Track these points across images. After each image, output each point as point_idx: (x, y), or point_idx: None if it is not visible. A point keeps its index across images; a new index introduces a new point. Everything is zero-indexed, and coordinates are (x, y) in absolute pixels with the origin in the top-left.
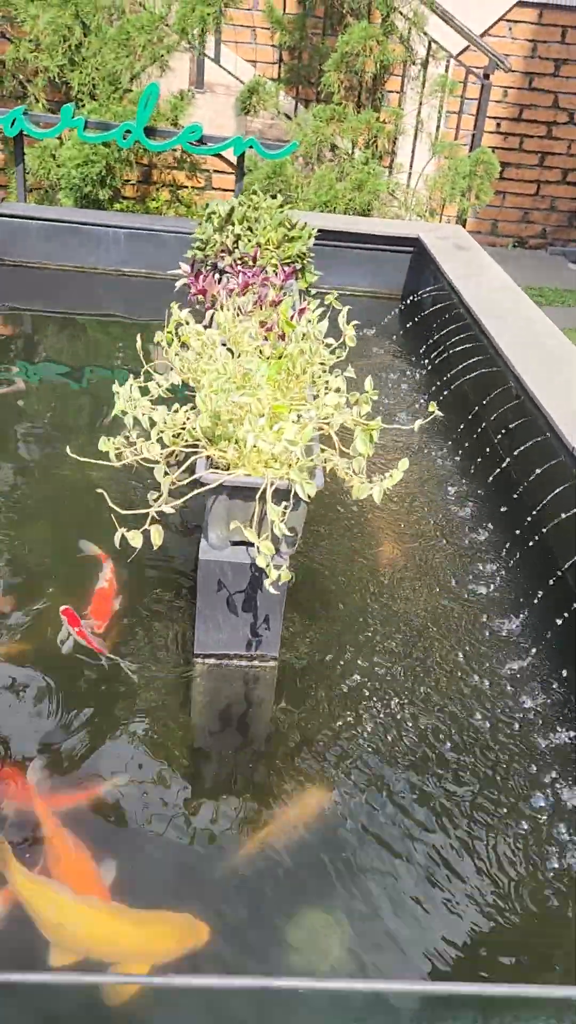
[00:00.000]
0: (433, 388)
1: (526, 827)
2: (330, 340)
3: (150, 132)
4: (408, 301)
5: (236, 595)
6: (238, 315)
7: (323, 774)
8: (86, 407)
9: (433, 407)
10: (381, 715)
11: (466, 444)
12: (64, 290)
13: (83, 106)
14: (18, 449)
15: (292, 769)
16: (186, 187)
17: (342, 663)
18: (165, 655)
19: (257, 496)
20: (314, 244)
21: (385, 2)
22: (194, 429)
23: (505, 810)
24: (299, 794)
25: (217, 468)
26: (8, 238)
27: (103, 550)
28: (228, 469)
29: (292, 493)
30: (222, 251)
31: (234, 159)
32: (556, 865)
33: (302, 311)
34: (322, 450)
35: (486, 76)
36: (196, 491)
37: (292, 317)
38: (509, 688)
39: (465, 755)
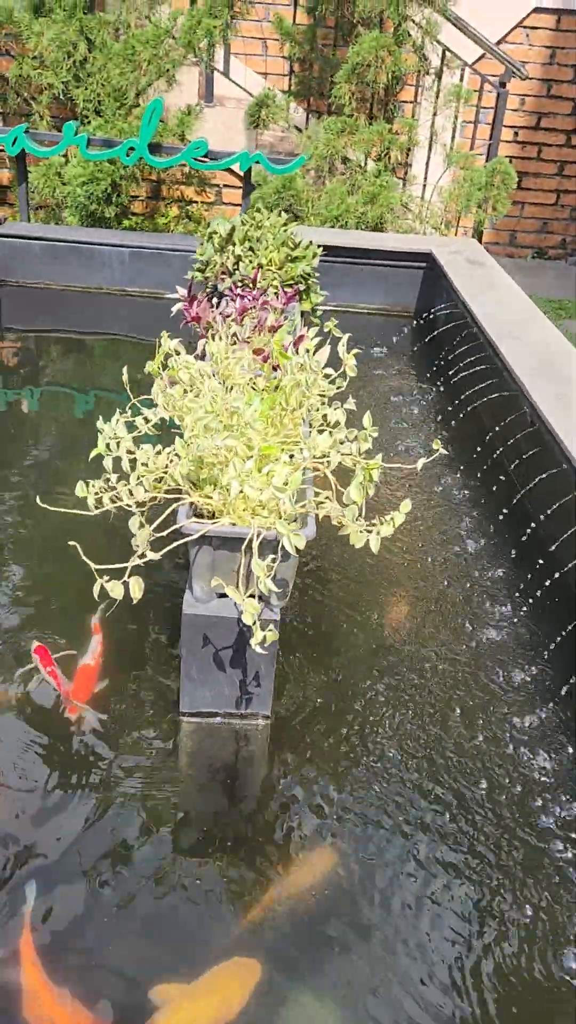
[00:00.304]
0: (446, 411)
1: (530, 915)
2: (330, 370)
3: (155, 148)
4: (421, 319)
5: (223, 651)
6: (234, 343)
7: (318, 842)
8: (83, 435)
9: (437, 444)
10: (383, 779)
11: (479, 472)
12: (67, 311)
13: (89, 123)
14: (9, 480)
15: (285, 837)
16: (196, 202)
17: (341, 719)
18: (151, 711)
19: (243, 547)
20: (323, 261)
21: (397, 11)
22: (181, 473)
23: (513, 892)
24: (293, 865)
25: (202, 515)
26: (10, 259)
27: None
28: (214, 516)
29: (281, 544)
30: (222, 273)
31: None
32: (573, 965)
33: (299, 340)
34: (316, 493)
35: (502, 84)
36: (178, 541)
37: (289, 345)
38: (522, 751)
39: (471, 826)
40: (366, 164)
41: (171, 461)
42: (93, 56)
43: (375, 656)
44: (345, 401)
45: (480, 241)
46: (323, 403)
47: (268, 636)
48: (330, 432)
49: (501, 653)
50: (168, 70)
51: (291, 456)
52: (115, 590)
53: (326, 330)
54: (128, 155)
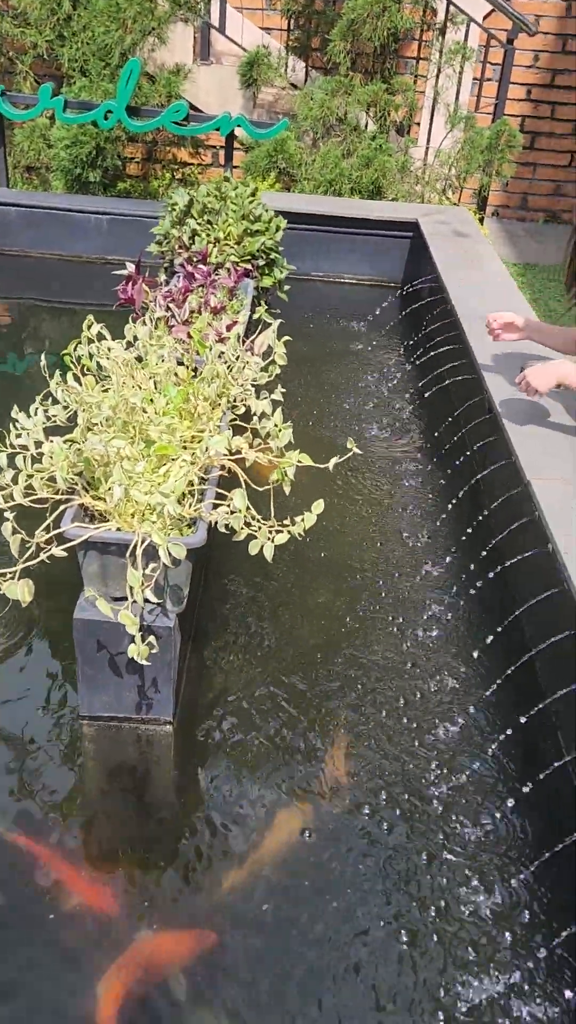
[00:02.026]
0: (414, 389)
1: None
2: (257, 358)
3: (134, 111)
4: (405, 290)
5: (118, 656)
6: (169, 324)
7: (223, 850)
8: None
9: (351, 443)
10: (291, 782)
11: (443, 450)
12: (46, 279)
13: (74, 83)
14: None
15: (186, 845)
16: (191, 165)
17: (252, 720)
18: (52, 713)
19: (127, 554)
20: (307, 230)
21: None
22: (69, 474)
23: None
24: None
25: (94, 517)
26: None
27: None
28: (106, 519)
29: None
30: (180, 247)
31: (242, 134)
32: None
33: (232, 325)
34: (217, 497)
35: (510, 41)
36: (62, 546)
37: (211, 333)
38: (440, 767)
39: (384, 834)
40: (366, 126)
41: (66, 458)
42: (78, 14)
43: (298, 654)
44: (274, 391)
45: (485, 205)
46: (249, 394)
47: (142, 651)
48: (220, 429)
49: (433, 653)
50: (154, 28)
51: (193, 455)
52: (11, 591)
53: (255, 316)
54: (106, 118)
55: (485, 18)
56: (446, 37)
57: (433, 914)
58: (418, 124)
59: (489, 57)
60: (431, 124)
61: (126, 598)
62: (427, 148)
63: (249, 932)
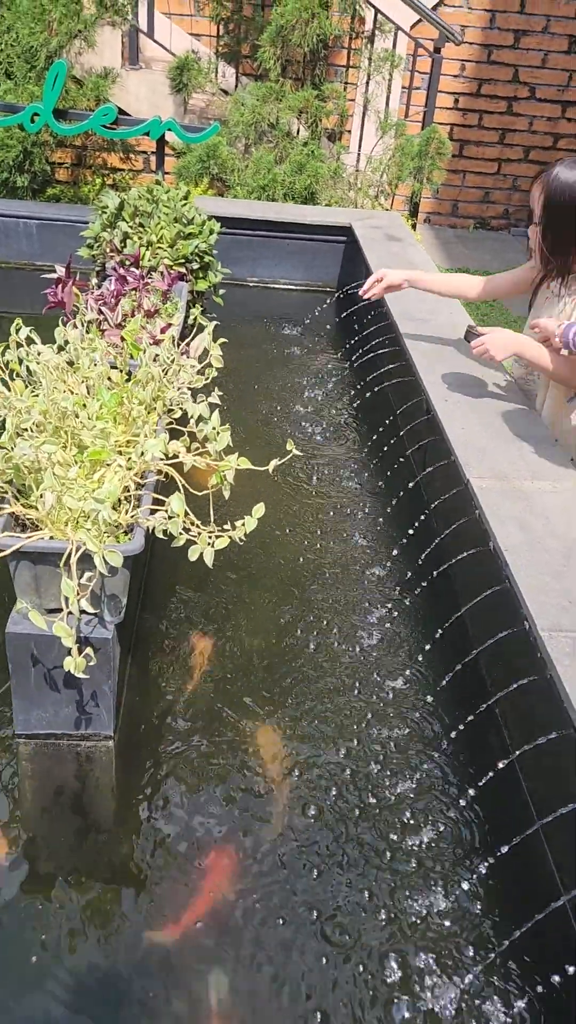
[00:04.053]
0: (353, 391)
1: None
2: (193, 361)
3: (61, 114)
4: (340, 294)
5: (54, 671)
6: (101, 328)
7: (168, 870)
8: None
9: (291, 445)
10: (237, 798)
11: (382, 452)
12: None
13: None
14: None
15: (128, 866)
16: (122, 170)
17: (195, 734)
18: None
19: (61, 563)
20: (241, 235)
21: None
22: None
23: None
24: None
25: (25, 526)
26: None
27: None
28: (38, 528)
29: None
30: (111, 251)
31: (174, 139)
32: None
33: (165, 328)
34: (155, 503)
35: (436, 50)
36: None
37: (145, 336)
38: (383, 766)
39: (328, 852)
40: (298, 132)
41: None
42: (1, 15)
43: (241, 663)
44: (210, 395)
45: (417, 212)
46: (185, 398)
47: (79, 663)
48: (156, 433)
49: (378, 657)
50: (81, 30)
51: (129, 459)
52: None
53: (190, 320)
54: (32, 121)
55: (412, 27)
56: (374, 45)
57: (388, 928)
58: (349, 131)
59: (417, 66)
60: (362, 131)
61: (61, 609)
62: (359, 155)
63: (198, 949)
